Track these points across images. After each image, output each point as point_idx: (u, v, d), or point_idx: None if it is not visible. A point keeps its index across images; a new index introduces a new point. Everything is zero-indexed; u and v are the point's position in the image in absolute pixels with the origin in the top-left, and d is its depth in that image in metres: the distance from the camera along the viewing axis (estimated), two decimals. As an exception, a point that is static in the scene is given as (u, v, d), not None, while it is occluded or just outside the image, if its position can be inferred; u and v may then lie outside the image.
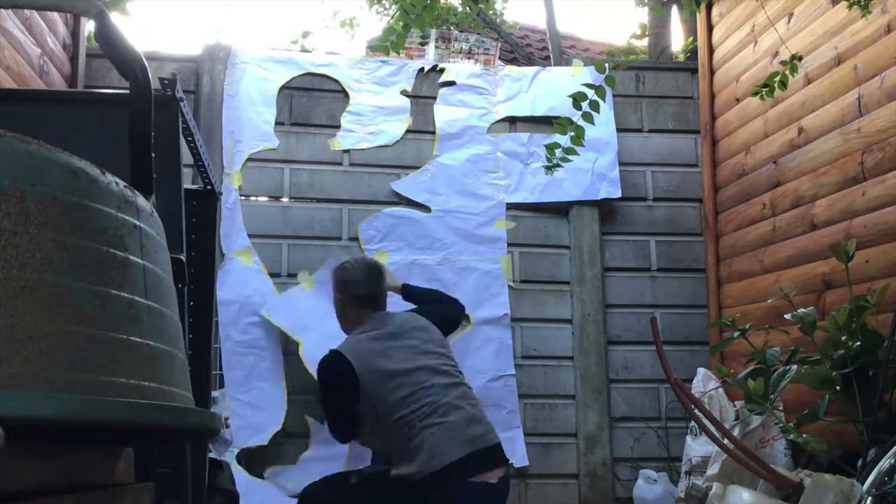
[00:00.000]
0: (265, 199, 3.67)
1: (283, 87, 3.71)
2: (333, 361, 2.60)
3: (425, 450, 2.44)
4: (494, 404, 3.49)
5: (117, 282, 0.85)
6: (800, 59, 2.68)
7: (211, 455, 2.45)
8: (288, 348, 3.44)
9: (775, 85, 2.60)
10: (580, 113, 2.46)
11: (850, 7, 2.52)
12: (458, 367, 2.74)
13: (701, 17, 3.95)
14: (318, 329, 3.30)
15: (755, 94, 2.70)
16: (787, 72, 2.58)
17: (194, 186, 2.33)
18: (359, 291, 2.76)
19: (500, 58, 4.08)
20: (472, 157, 3.76)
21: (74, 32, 3.45)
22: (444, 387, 2.57)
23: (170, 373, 0.91)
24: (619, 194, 3.77)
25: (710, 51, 3.89)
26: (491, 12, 6.68)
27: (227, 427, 3.25)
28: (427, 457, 2.43)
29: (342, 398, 2.59)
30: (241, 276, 3.46)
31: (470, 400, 2.62)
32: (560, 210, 3.79)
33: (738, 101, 3.61)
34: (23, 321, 0.74)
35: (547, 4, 5.64)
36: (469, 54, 3.99)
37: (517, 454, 3.49)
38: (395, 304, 3.06)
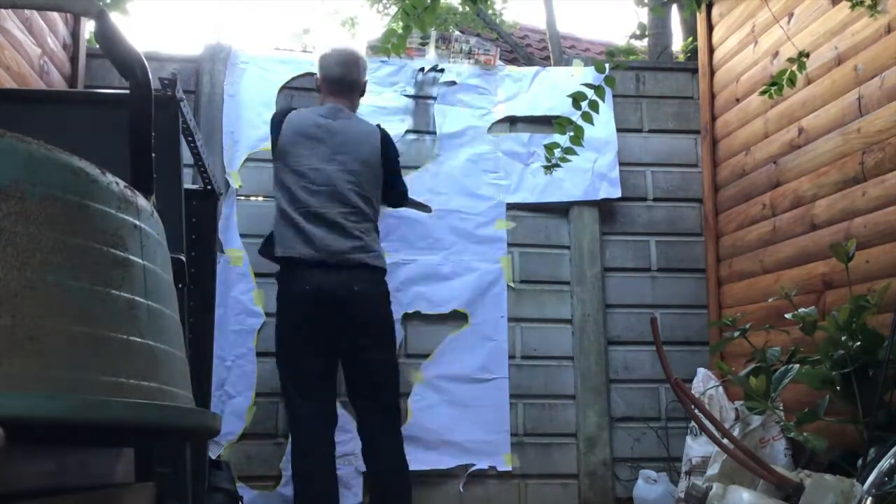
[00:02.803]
0: (264, 199, 3.66)
1: (284, 87, 3.71)
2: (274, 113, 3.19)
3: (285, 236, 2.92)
4: (484, 405, 3.50)
5: (117, 282, 0.85)
6: (807, 55, 2.68)
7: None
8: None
9: (783, 83, 2.60)
10: (580, 113, 2.46)
11: (853, 7, 2.52)
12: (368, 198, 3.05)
13: (701, 17, 3.95)
14: None
15: (763, 92, 2.70)
16: (795, 69, 2.58)
17: (194, 186, 2.33)
18: (327, 74, 3.14)
19: (500, 58, 4.07)
20: (473, 157, 3.76)
21: (74, 32, 3.45)
22: (332, 199, 2.95)
23: (170, 373, 0.91)
24: (619, 194, 3.76)
25: (710, 51, 3.89)
26: (490, 12, 6.68)
27: None
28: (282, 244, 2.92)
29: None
30: (226, 277, 3.45)
31: (350, 220, 2.96)
32: (560, 210, 3.79)
33: (738, 101, 3.61)
34: (23, 321, 0.74)
35: (547, 4, 5.65)
36: (469, 55, 3.99)
37: (501, 458, 3.49)
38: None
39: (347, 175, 3.00)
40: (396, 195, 3.28)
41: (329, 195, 2.96)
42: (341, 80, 3.15)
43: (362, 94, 3.28)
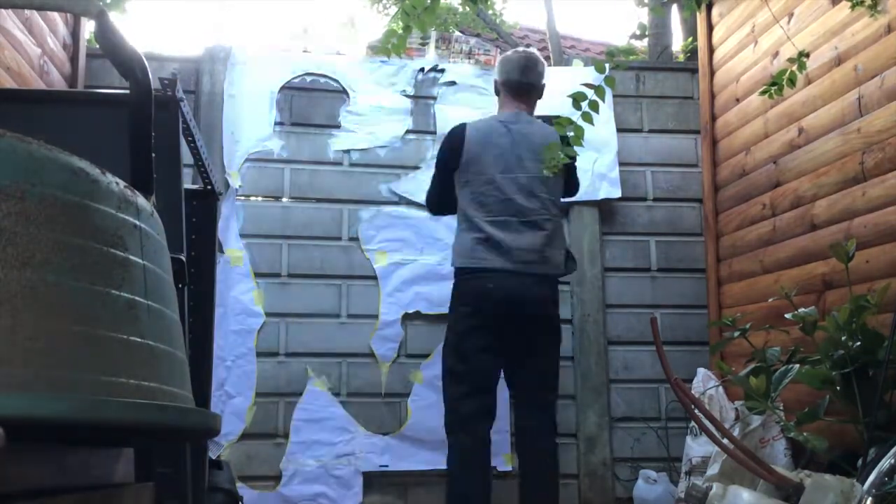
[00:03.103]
0: (265, 199, 3.67)
1: (284, 87, 3.71)
2: (452, 128, 3.05)
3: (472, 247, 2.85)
4: None
5: (117, 282, 0.85)
6: (807, 55, 2.68)
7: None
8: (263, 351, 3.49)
9: (784, 83, 2.60)
10: (580, 113, 2.46)
11: (853, 7, 2.52)
12: (549, 209, 2.96)
13: (701, 17, 3.95)
14: None
15: (763, 92, 2.70)
16: (796, 69, 2.58)
17: (194, 186, 2.33)
18: (508, 78, 3.04)
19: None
20: (473, 157, 3.75)
21: (74, 32, 3.45)
22: (520, 209, 2.88)
23: (170, 373, 0.91)
24: (619, 194, 3.76)
25: (710, 51, 3.89)
26: (490, 12, 6.68)
27: None
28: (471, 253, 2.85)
29: (444, 159, 3.00)
30: (226, 277, 3.45)
31: (540, 231, 2.89)
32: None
33: (738, 101, 3.61)
34: (23, 321, 0.74)
35: (547, 4, 5.64)
36: (469, 55, 3.99)
37: (500, 458, 3.49)
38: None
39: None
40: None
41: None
42: (520, 84, 3.04)
43: (540, 97, 3.15)
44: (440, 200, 3.06)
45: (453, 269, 2.94)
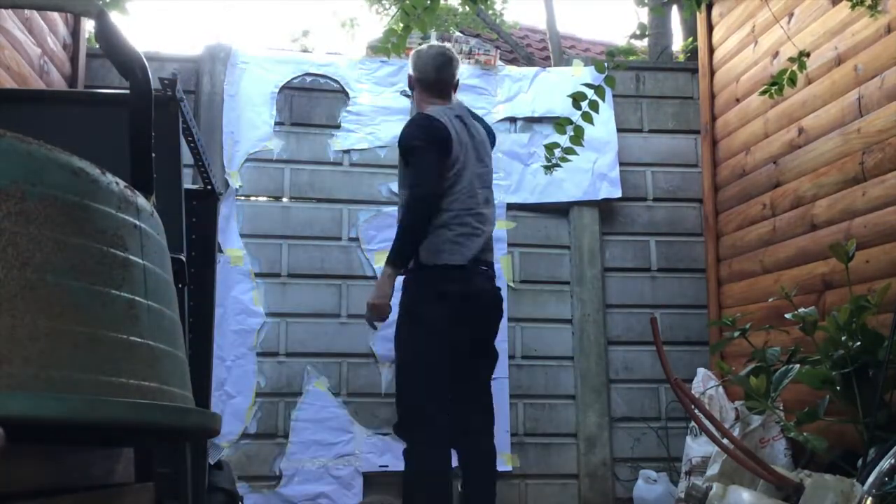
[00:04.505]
0: (265, 199, 3.67)
1: (283, 87, 3.71)
2: (427, 119, 2.84)
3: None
4: None
5: (117, 282, 0.85)
6: (808, 55, 2.68)
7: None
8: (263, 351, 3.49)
9: (784, 82, 2.60)
10: (580, 113, 2.46)
11: (853, 7, 2.52)
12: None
13: (701, 17, 3.95)
14: None
15: (764, 92, 2.70)
16: (796, 68, 2.58)
17: (194, 186, 2.33)
18: (426, 80, 2.96)
19: (500, 58, 4.08)
20: (473, 157, 3.75)
21: (74, 32, 3.45)
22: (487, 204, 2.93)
23: (170, 373, 0.91)
24: (619, 194, 3.76)
25: (710, 51, 3.89)
26: (490, 12, 6.68)
27: None
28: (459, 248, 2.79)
29: (433, 154, 2.78)
30: (226, 277, 3.45)
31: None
32: (560, 210, 3.79)
33: (738, 101, 3.61)
34: (23, 321, 0.74)
35: (547, 4, 5.65)
36: (469, 55, 3.99)
37: (501, 458, 3.48)
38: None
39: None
40: None
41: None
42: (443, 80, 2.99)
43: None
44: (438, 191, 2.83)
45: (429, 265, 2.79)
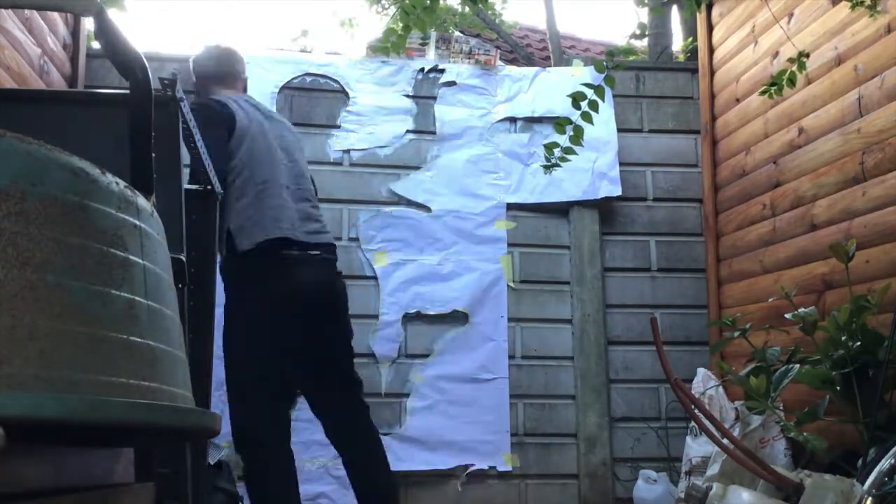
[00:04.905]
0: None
1: (283, 87, 3.71)
2: (212, 101, 2.69)
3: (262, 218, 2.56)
4: (484, 405, 3.50)
5: (117, 282, 0.85)
6: (807, 55, 2.68)
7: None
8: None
9: (784, 83, 2.60)
10: (579, 113, 2.46)
11: (853, 7, 2.52)
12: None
13: (701, 17, 3.95)
14: None
15: (763, 92, 2.70)
16: (795, 69, 2.58)
17: (194, 186, 2.32)
18: (208, 72, 2.85)
19: (500, 58, 4.08)
20: (473, 157, 3.76)
21: (74, 32, 3.45)
22: (293, 176, 2.73)
23: (170, 373, 0.91)
24: (619, 192, 3.76)
25: (710, 51, 3.89)
26: (490, 12, 6.68)
27: None
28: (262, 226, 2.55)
29: (219, 134, 2.56)
30: None
31: (311, 202, 2.77)
32: (560, 210, 3.79)
33: (738, 101, 3.61)
34: (23, 321, 0.74)
35: (547, 4, 5.65)
36: (469, 55, 3.99)
37: (501, 458, 3.49)
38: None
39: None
40: None
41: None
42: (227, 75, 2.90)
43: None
44: None
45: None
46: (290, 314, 2.57)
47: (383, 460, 2.70)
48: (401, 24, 2.32)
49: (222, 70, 2.89)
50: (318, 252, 2.65)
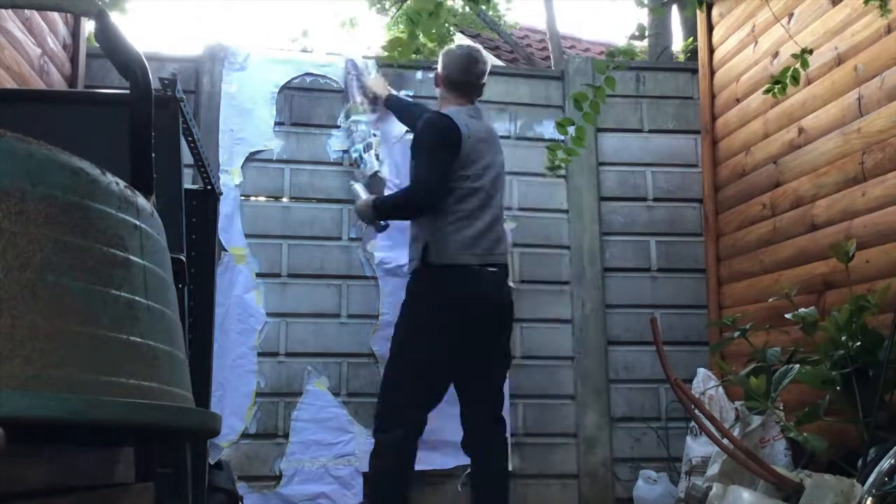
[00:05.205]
0: (265, 199, 3.67)
1: (283, 87, 3.71)
2: (443, 118, 2.90)
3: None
4: None
5: (117, 282, 0.85)
6: (810, 52, 2.68)
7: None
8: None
9: (787, 81, 2.60)
10: (581, 113, 2.47)
11: (866, 2, 2.52)
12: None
13: (701, 17, 3.95)
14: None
15: (767, 90, 2.70)
16: (799, 66, 2.58)
17: (194, 186, 2.33)
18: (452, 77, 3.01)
19: (500, 58, 4.08)
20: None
21: (74, 32, 3.45)
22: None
23: (170, 373, 0.91)
24: None
25: (711, 51, 3.89)
26: (492, 13, 6.68)
27: None
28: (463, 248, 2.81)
29: (444, 154, 2.84)
30: (227, 277, 3.44)
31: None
32: (560, 210, 3.79)
33: (738, 101, 3.61)
34: (23, 321, 0.74)
35: (547, 5, 5.65)
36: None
37: None
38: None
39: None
40: None
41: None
42: (467, 83, 3.05)
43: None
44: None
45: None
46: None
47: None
48: (405, 30, 2.32)
49: (466, 78, 3.05)
50: None
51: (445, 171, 2.84)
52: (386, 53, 2.49)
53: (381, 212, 3.02)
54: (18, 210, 0.77)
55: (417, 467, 3.28)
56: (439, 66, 3.09)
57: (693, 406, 2.44)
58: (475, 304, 2.82)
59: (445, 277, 2.83)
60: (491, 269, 2.87)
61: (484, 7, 5.43)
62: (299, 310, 3.54)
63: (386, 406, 2.83)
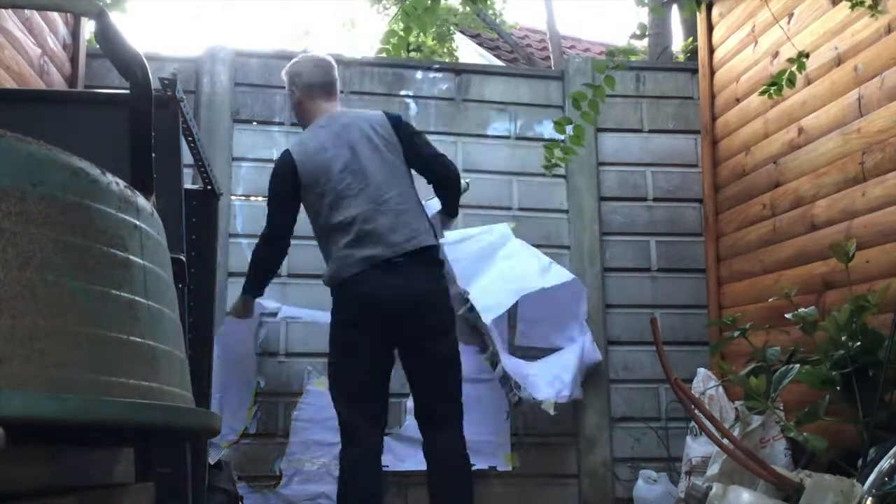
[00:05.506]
0: (265, 199, 3.66)
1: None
2: (279, 159, 2.82)
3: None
4: (484, 405, 3.49)
5: (117, 282, 0.85)
6: (807, 55, 2.68)
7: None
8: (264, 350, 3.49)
9: (783, 83, 2.60)
10: (580, 112, 2.47)
11: (853, 7, 2.52)
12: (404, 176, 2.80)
13: (701, 17, 3.95)
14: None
15: (763, 92, 2.70)
16: (795, 69, 2.58)
17: (194, 186, 2.33)
18: (309, 81, 2.86)
19: (500, 58, 4.08)
20: (473, 157, 3.76)
21: (74, 32, 3.45)
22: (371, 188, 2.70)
23: (170, 373, 0.91)
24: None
25: (711, 51, 3.89)
26: (490, 12, 6.68)
27: None
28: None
29: (276, 202, 2.84)
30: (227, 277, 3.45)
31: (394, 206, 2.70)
32: (560, 210, 3.79)
33: (738, 101, 3.61)
34: (23, 321, 0.74)
35: (547, 4, 5.65)
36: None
37: (501, 458, 3.49)
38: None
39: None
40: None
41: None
42: (325, 84, 2.88)
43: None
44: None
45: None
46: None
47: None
48: (402, 26, 2.33)
49: (321, 80, 2.89)
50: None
51: (277, 218, 2.86)
52: (384, 49, 2.47)
53: (247, 278, 3.05)
54: (18, 210, 0.77)
55: (417, 467, 3.29)
56: (287, 90, 2.93)
57: (693, 406, 2.44)
58: (363, 312, 2.65)
59: (337, 296, 2.73)
60: (377, 268, 2.63)
61: (482, 6, 5.44)
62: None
63: (340, 431, 2.70)
